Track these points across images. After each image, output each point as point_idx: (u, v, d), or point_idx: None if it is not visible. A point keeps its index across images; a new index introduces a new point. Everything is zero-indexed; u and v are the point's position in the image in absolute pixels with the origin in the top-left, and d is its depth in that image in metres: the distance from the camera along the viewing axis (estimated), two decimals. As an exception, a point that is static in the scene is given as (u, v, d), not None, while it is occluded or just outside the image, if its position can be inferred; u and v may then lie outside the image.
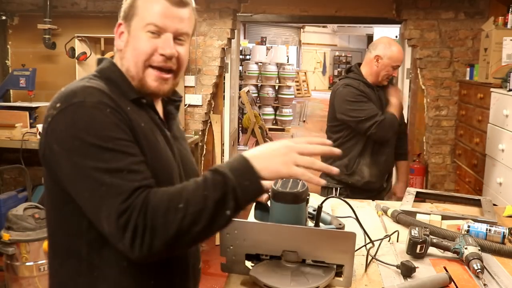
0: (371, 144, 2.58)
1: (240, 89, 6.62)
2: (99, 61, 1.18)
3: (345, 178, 2.60)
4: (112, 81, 1.10)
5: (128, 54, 1.10)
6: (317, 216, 1.43)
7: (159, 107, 1.20)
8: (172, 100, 1.25)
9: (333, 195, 2.30)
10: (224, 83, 4.35)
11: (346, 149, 2.60)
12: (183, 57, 1.13)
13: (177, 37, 1.11)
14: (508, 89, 2.77)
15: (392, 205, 2.04)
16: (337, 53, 18.62)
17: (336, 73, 18.27)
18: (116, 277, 1.05)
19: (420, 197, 2.20)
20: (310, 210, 1.54)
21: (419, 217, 1.88)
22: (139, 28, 1.08)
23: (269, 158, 0.99)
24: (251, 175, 0.97)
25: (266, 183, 1.02)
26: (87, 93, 1.01)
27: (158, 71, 1.10)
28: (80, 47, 3.83)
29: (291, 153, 0.99)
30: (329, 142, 1.08)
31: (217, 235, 4.43)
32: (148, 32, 1.08)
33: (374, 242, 1.56)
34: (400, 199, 2.34)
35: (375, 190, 2.59)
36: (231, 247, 1.32)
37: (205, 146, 4.25)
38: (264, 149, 1.01)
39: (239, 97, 6.59)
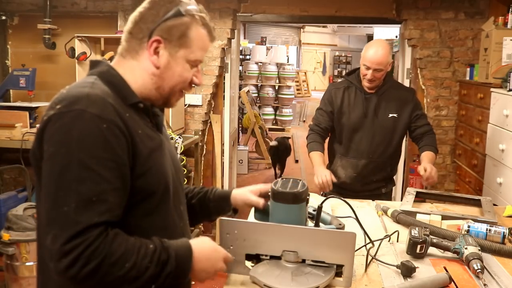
0: (343, 147, 2.59)
1: (240, 89, 6.62)
2: (95, 64, 1.18)
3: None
4: (113, 85, 1.12)
5: (168, 76, 1.16)
6: (317, 216, 1.43)
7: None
8: None
9: (333, 195, 2.29)
10: (224, 83, 4.35)
11: (328, 148, 2.74)
12: None
13: None
14: (508, 89, 2.77)
15: (392, 205, 2.04)
16: (337, 53, 18.62)
17: (336, 73, 18.27)
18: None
19: (420, 197, 2.20)
20: (310, 210, 1.54)
21: (419, 217, 1.89)
22: (186, 59, 1.16)
23: (206, 269, 1.16)
24: (186, 271, 1.11)
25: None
26: (90, 102, 1.02)
27: (181, 93, 1.21)
28: (80, 47, 3.82)
29: (214, 272, 1.19)
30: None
31: (217, 235, 4.44)
32: (191, 64, 1.18)
33: (374, 242, 1.56)
34: (430, 184, 2.33)
35: (353, 191, 2.55)
36: (231, 247, 1.32)
37: (205, 146, 4.25)
38: (208, 260, 1.16)
39: (239, 97, 6.59)
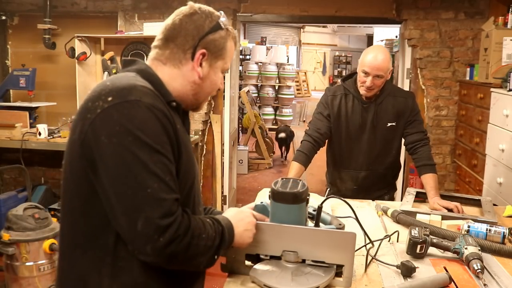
0: (341, 159, 2.49)
1: (240, 89, 6.62)
2: (130, 62, 1.23)
3: (329, 185, 2.63)
4: (152, 82, 1.17)
5: (205, 85, 1.24)
6: (317, 216, 1.43)
7: None
8: None
9: (333, 195, 2.28)
10: (224, 83, 4.35)
11: (326, 157, 2.62)
12: None
13: None
14: (508, 89, 2.77)
15: (392, 205, 2.04)
16: (337, 53, 18.62)
17: (336, 73, 18.27)
18: (139, 269, 1.08)
19: (420, 197, 2.20)
20: (310, 210, 1.54)
21: (419, 217, 1.88)
22: (220, 69, 1.26)
23: (244, 233, 1.26)
24: (231, 241, 1.22)
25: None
26: (142, 93, 1.07)
27: (209, 98, 1.31)
28: (80, 47, 3.82)
29: (253, 227, 1.29)
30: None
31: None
32: (222, 73, 1.28)
33: (374, 242, 1.56)
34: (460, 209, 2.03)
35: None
36: (231, 247, 1.32)
37: (205, 146, 4.25)
38: (241, 222, 1.26)
39: (239, 97, 6.59)
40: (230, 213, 1.27)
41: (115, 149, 1.02)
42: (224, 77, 1.33)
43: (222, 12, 1.27)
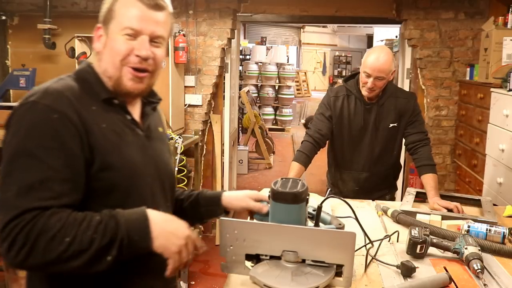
0: (342, 160, 2.49)
1: (240, 89, 6.62)
2: (80, 63, 1.23)
3: (331, 186, 2.62)
4: (86, 81, 1.15)
5: (106, 55, 1.15)
6: (317, 216, 1.43)
7: (136, 108, 1.26)
8: (150, 101, 1.32)
9: (333, 195, 2.28)
10: (224, 83, 4.35)
11: (327, 158, 2.61)
12: (159, 59, 1.19)
13: (153, 40, 1.17)
14: (508, 89, 2.77)
15: (392, 205, 2.04)
16: (337, 53, 18.60)
17: (336, 73, 18.26)
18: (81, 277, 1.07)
19: (420, 197, 2.20)
20: (310, 210, 1.54)
21: (419, 217, 1.88)
22: (116, 31, 1.14)
23: (169, 234, 1.06)
24: (144, 234, 1.03)
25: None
26: (44, 94, 1.06)
27: (133, 70, 1.15)
28: (80, 47, 3.82)
29: (186, 242, 1.08)
30: None
31: (217, 235, 4.44)
32: (125, 35, 1.13)
33: (374, 242, 1.56)
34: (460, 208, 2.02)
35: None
36: (231, 247, 1.32)
37: (205, 146, 4.25)
38: (170, 223, 1.08)
39: (239, 97, 6.59)
40: (159, 213, 1.09)
41: (3, 147, 1.03)
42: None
43: None
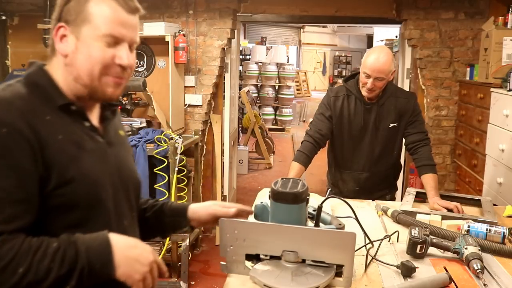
0: (343, 160, 2.48)
1: (240, 89, 6.62)
2: (29, 65, 1.10)
3: (331, 186, 2.62)
4: (38, 86, 1.04)
5: (79, 61, 1.04)
6: (317, 216, 1.43)
7: (94, 113, 1.15)
8: (109, 105, 1.20)
9: (333, 195, 2.28)
10: (224, 83, 4.35)
11: (328, 158, 2.61)
12: (133, 64, 1.12)
13: (131, 46, 1.09)
14: (508, 89, 2.77)
15: (392, 205, 2.04)
16: (337, 53, 18.60)
17: (336, 73, 18.26)
18: None
19: (420, 197, 2.20)
20: (310, 210, 1.54)
21: (419, 217, 1.89)
22: (93, 37, 1.03)
23: (132, 261, 0.99)
24: (105, 262, 0.96)
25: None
26: None
27: (114, 77, 1.07)
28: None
29: (150, 269, 1.01)
30: None
31: (217, 235, 4.43)
32: (104, 41, 1.03)
33: (374, 242, 1.56)
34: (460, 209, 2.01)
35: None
36: (231, 247, 1.32)
37: (205, 146, 4.25)
38: (133, 250, 1.01)
39: (239, 97, 6.59)
40: (123, 237, 1.02)
41: None
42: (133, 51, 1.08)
43: None
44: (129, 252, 1.00)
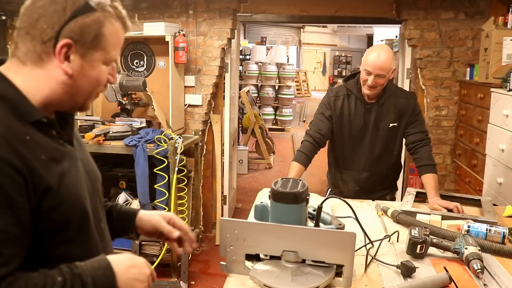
0: (343, 160, 2.48)
1: (240, 89, 6.62)
2: None
3: (331, 187, 2.61)
4: (6, 101, 0.94)
5: (81, 82, 0.99)
6: (317, 216, 1.43)
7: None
8: None
9: (333, 195, 2.28)
10: (224, 83, 4.35)
11: (328, 158, 2.61)
12: None
13: None
14: (508, 89, 2.77)
15: (392, 205, 2.04)
16: (337, 53, 18.62)
17: (336, 73, 18.27)
18: None
19: (420, 197, 2.20)
20: (310, 210, 1.54)
21: (419, 217, 1.89)
22: (101, 60, 1.00)
23: (133, 281, 1.01)
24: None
25: None
26: None
27: (97, 94, 1.06)
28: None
29: (148, 283, 1.04)
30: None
31: (217, 235, 4.43)
32: (106, 64, 1.02)
33: (374, 242, 1.56)
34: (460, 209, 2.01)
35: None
36: (231, 247, 1.32)
37: (205, 146, 4.25)
38: (132, 269, 1.02)
39: (239, 97, 6.59)
40: (121, 258, 1.02)
41: None
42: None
43: None
44: (129, 272, 1.01)
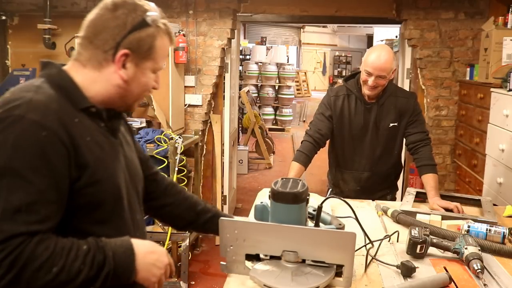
0: (343, 160, 2.48)
1: (240, 89, 6.62)
2: (45, 65, 1.15)
3: (332, 187, 2.61)
4: (62, 89, 1.08)
5: (133, 87, 1.14)
6: (317, 216, 1.43)
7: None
8: None
9: (333, 195, 2.28)
10: (224, 83, 4.35)
11: (328, 158, 2.61)
12: None
13: None
14: (508, 89, 2.77)
15: (392, 205, 2.04)
16: (337, 53, 18.62)
17: (336, 73, 18.27)
18: None
19: (420, 197, 2.20)
20: (310, 210, 1.54)
21: (419, 217, 1.89)
22: (150, 68, 1.15)
23: (151, 266, 1.10)
24: (128, 268, 1.05)
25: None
26: (30, 108, 0.99)
27: (142, 98, 1.22)
28: (80, 47, 3.82)
29: (165, 271, 1.13)
30: None
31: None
32: (154, 72, 1.17)
33: (374, 242, 1.56)
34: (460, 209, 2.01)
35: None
36: (231, 247, 1.32)
37: (205, 146, 4.25)
38: (152, 255, 1.11)
39: (239, 97, 6.59)
40: (143, 243, 1.12)
41: None
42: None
43: (153, 5, 1.15)
44: (148, 257, 1.10)
